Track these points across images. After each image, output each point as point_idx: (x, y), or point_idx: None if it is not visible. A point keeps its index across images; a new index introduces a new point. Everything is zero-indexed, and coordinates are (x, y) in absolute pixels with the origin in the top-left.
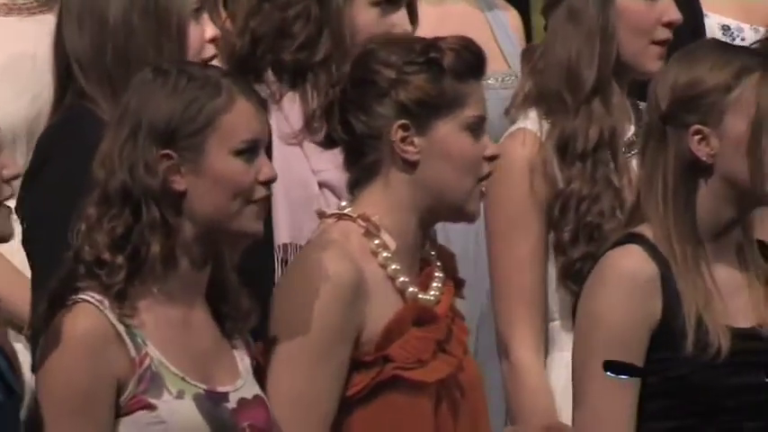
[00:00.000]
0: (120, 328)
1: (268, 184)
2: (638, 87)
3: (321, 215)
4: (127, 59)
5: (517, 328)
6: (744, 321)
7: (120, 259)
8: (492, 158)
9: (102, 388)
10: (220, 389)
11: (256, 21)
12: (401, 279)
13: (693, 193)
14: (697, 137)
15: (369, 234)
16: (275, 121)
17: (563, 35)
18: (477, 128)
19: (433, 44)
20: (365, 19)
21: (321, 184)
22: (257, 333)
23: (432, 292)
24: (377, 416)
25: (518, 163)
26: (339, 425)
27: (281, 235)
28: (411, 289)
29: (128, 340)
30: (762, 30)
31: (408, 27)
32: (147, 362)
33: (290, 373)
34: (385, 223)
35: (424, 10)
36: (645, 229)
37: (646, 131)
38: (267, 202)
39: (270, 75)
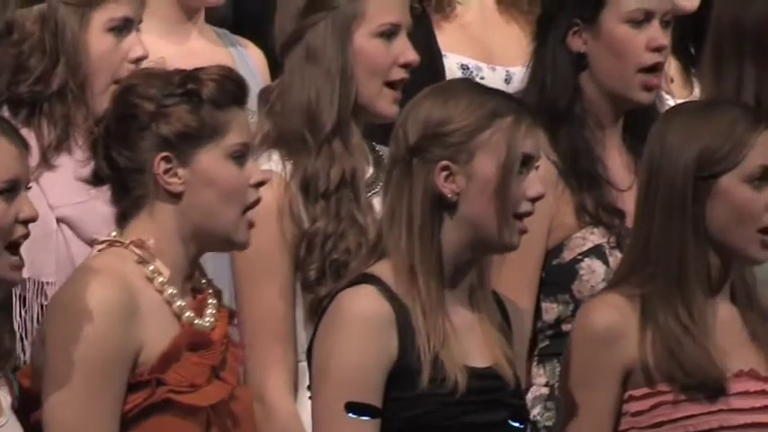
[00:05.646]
0: None
1: (27, 223)
2: (380, 131)
3: (92, 242)
4: None
5: (272, 371)
6: (480, 361)
7: None
8: (259, 185)
9: None
10: None
11: None
12: (178, 303)
13: (439, 229)
14: (444, 173)
15: (142, 261)
16: None
17: (301, 75)
18: (240, 155)
19: (191, 75)
20: (100, 46)
21: (59, 220)
22: None
23: (207, 319)
24: None
25: (266, 206)
26: None
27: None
28: (188, 314)
29: None
30: (498, 68)
31: (142, 50)
32: None
33: (71, 400)
34: (156, 250)
35: (168, 49)
36: (380, 267)
37: (391, 163)
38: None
39: (5, 112)
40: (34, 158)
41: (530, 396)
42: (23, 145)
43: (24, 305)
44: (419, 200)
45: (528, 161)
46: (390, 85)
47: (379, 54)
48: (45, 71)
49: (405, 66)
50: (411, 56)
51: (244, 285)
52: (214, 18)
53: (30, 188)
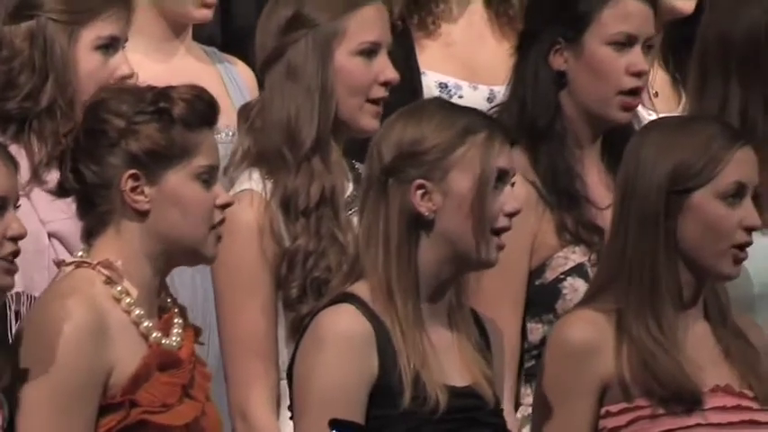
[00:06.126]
0: None
1: (16, 240)
2: (357, 148)
3: (59, 264)
4: None
5: (253, 388)
6: (459, 380)
7: None
8: (224, 206)
9: None
10: None
11: None
12: (145, 324)
13: (416, 248)
14: (420, 191)
15: (110, 281)
16: None
17: (281, 92)
18: (208, 177)
19: (163, 93)
20: (89, 64)
21: (50, 235)
22: None
23: (174, 338)
24: None
25: (247, 225)
26: None
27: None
28: (155, 334)
29: None
30: (481, 87)
31: (128, 69)
32: None
33: (44, 425)
34: (124, 270)
35: (152, 68)
36: (359, 287)
37: (366, 184)
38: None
39: None
40: (25, 175)
41: (518, 416)
42: (12, 162)
43: (18, 320)
44: (395, 219)
45: (503, 176)
46: (371, 101)
47: (360, 72)
48: (34, 88)
49: (385, 84)
50: (391, 74)
51: (225, 304)
52: (202, 36)
53: (19, 206)
